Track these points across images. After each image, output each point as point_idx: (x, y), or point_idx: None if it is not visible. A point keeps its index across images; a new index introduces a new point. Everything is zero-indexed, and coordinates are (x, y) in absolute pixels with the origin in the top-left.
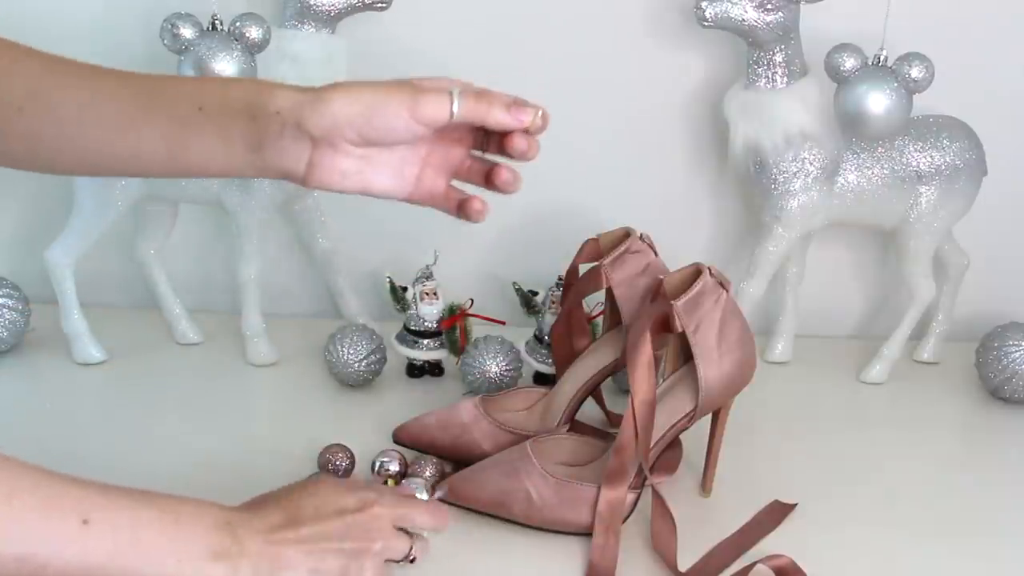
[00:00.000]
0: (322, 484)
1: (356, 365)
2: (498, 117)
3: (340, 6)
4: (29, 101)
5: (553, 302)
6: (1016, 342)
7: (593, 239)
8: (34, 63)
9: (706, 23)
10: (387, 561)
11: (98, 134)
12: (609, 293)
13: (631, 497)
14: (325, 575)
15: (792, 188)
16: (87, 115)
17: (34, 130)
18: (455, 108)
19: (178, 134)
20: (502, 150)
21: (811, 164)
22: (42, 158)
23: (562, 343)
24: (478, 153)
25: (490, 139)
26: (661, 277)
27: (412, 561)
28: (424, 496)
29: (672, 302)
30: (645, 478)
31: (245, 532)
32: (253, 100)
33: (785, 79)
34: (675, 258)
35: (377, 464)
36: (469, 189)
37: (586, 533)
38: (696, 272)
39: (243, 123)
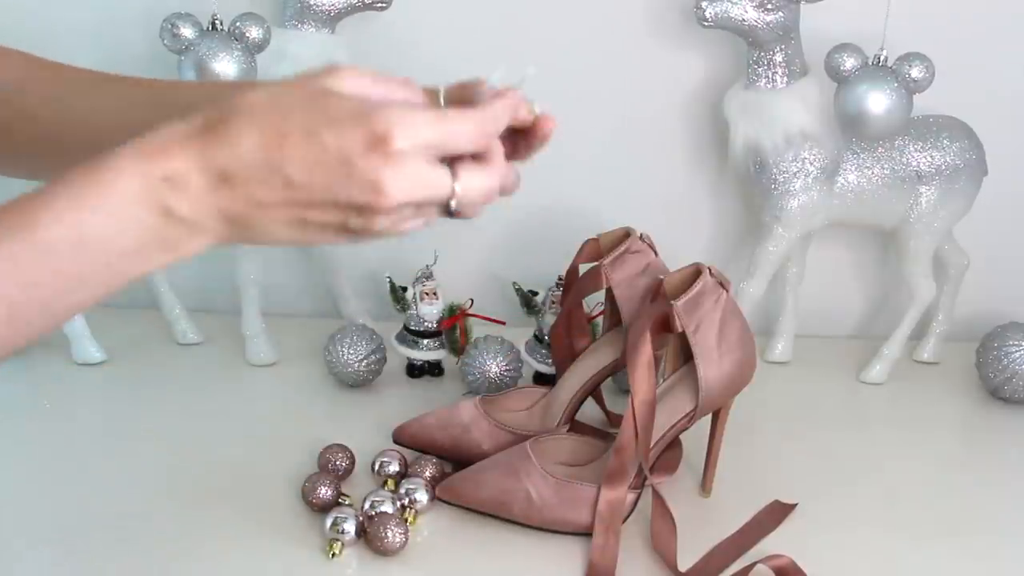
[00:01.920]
0: (327, 102)
1: (356, 365)
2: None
3: (340, 6)
4: (43, 109)
5: (553, 302)
6: (1016, 342)
7: (593, 239)
8: (46, 72)
9: (706, 23)
10: (422, 208)
11: (111, 139)
12: (609, 293)
13: (631, 497)
14: (310, 230)
15: (792, 188)
16: (100, 121)
17: (47, 137)
18: (442, 102)
19: None
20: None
21: (811, 164)
22: (53, 165)
23: (562, 343)
24: None
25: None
26: (661, 277)
27: (454, 215)
28: (425, 497)
29: (672, 302)
30: (645, 478)
31: (192, 196)
32: None
33: (785, 79)
34: (675, 258)
35: (377, 464)
36: None
37: (586, 533)
38: (696, 272)
39: None
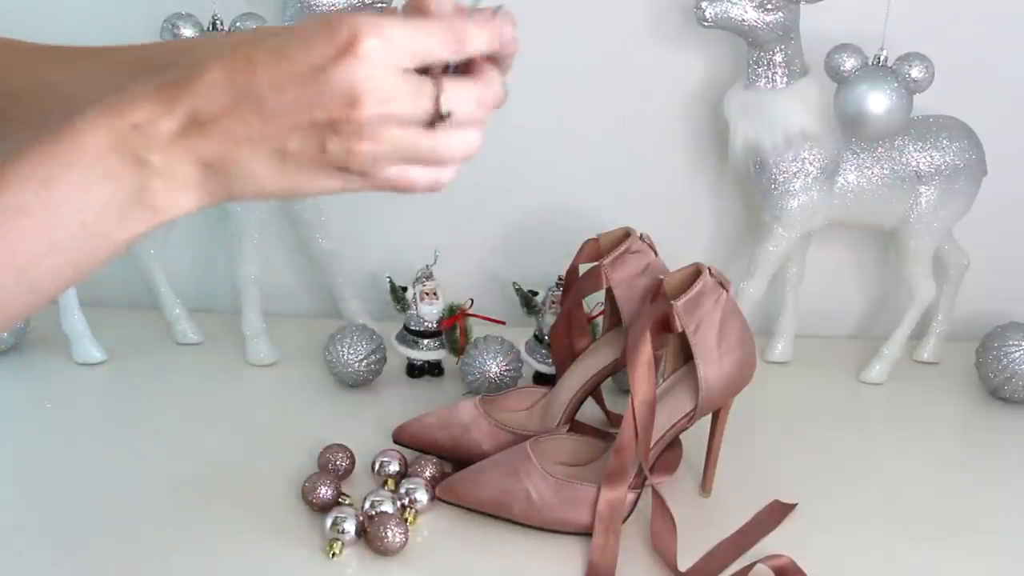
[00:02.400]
0: (292, 27)
1: (356, 365)
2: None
3: (340, 6)
4: (26, 85)
5: (553, 302)
6: (1016, 342)
7: (593, 239)
8: (25, 51)
9: (706, 23)
10: (404, 128)
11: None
12: (609, 293)
13: (631, 497)
14: (292, 166)
15: (792, 188)
16: (87, 88)
17: (35, 112)
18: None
19: None
20: None
21: (811, 164)
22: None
23: (562, 343)
24: None
25: None
26: (661, 277)
27: (444, 117)
28: (425, 497)
29: (672, 302)
30: (645, 478)
31: (163, 142)
32: None
33: (785, 79)
34: (675, 258)
35: (377, 464)
36: None
37: (586, 533)
38: (696, 272)
39: None
